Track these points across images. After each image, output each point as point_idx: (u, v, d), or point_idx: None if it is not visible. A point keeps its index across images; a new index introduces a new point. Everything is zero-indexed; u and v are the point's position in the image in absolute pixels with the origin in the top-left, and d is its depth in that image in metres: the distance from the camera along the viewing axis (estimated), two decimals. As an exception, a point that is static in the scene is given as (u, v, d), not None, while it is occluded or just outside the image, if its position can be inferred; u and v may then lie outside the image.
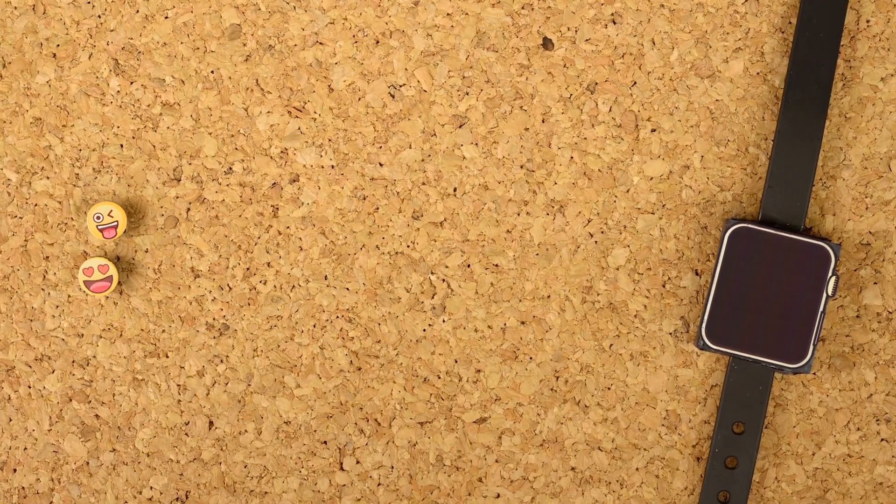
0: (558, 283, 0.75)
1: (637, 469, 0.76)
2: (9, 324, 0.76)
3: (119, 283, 0.75)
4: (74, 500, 0.76)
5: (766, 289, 0.72)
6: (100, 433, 0.76)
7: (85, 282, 0.74)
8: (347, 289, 0.76)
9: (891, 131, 0.75)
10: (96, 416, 0.76)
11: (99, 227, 0.73)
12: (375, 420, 0.76)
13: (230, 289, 0.76)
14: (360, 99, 0.75)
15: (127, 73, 0.76)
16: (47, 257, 0.76)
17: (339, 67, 0.75)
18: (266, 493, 0.76)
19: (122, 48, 0.76)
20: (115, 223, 0.73)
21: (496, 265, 0.76)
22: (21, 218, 0.76)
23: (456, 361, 0.76)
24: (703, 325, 0.72)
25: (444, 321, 0.76)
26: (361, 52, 0.75)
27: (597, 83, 0.75)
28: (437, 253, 0.76)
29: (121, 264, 0.76)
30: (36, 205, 0.76)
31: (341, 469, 0.76)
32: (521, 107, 0.75)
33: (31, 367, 0.76)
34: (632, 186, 0.75)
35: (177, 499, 0.76)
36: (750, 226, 0.72)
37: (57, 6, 0.76)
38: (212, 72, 0.75)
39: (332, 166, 0.75)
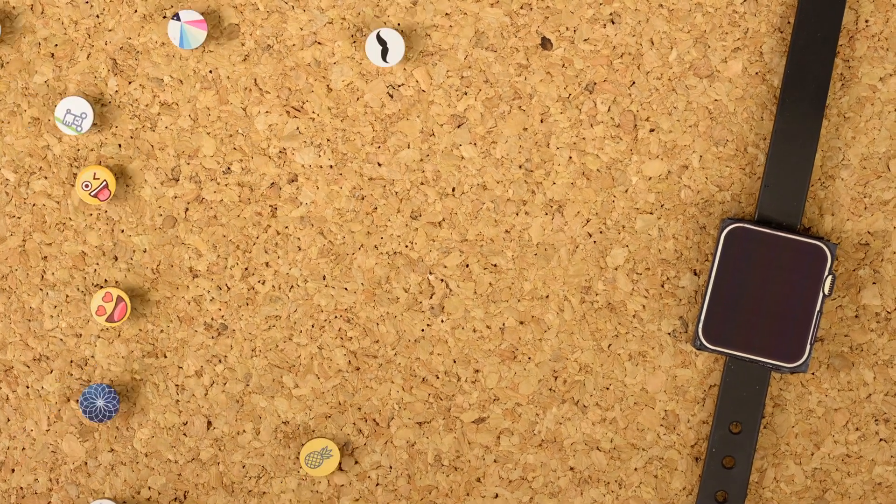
0: (557, 283, 0.75)
1: (636, 469, 0.76)
2: (7, 324, 0.76)
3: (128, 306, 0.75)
4: (73, 500, 0.76)
5: (763, 288, 0.72)
6: (98, 433, 0.76)
7: (105, 317, 0.74)
8: (346, 289, 0.76)
9: (889, 131, 0.75)
10: (94, 415, 0.76)
11: (91, 194, 0.73)
12: (374, 420, 0.76)
13: (228, 289, 0.76)
14: (358, 99, 0.75)
15: (125, 72, 0.76)
16: (45, 257, 0.76)
17: (337, 67, 0.75)
18: (264, 493, 0.76)
19: (121, 48, 0.76)
20: (104, 182, 0.73)
21: (495, 265, 0.75)
22: (19, 218, 0.76)
23: (454, 361, 0.76)
24: (700, 325, 0.72)
25: (442, 321, 0.76)
26: (360, 51, 0.75)
27: (595, 83, 0.75)
28: (436, 253, 0.76)
29: (118, 264, 0.76)
30: (34, 205, 0.76)
31: (339, 469, 0.76)
32: (520, 107, 0.75)
33: (29, 367, 0.76)
34: (630, 186, 0.75)
35: (175, 499, 0.76)
36: (746, 225, 0.72)
37: (55, 6, 0.76)
38: (210, 71, 0.76)
39: (331, 166, 0.75)
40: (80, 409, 0.73)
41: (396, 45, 0.72)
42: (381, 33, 0.72)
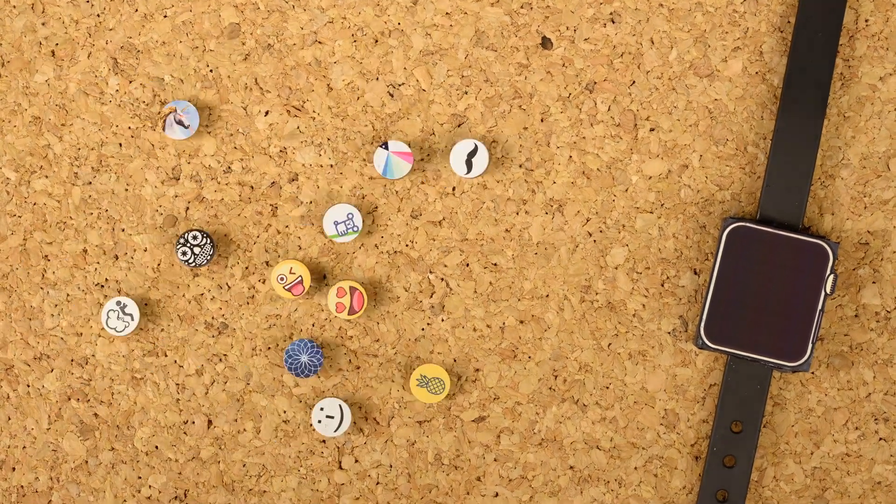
0: (557, 283, 0.75)
1: (635, 468, 0.76)
2: (7, 323, 0.76)
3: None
4: (73, 499, 0.76)
5: (765, 287, 0.72)
6: (98, 432, 0.76)
7: (346, 312, 0.75)
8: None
9: (889, 130, 0.75)
10: (95, 414, 0.76)
11: (286, 288, 0.74)
12: (374, 419, 0.76)
13: (229, 288, 0.76)
14: (358, 98, 0.75)
15: (126, 72, 0.76)
16: (46, 256, 0.76)
17: (337, 66, 0.76)
18: (265, 491, 0.76)
19: (121, 47, 0.76)
20: (299, 278, 0.74)
21: (495, 264, 0.76)
22: (20, 217, 0.76)
23: (455, 360, 0.76)
24: (702, 324, 0.72)
25: (442, 320, 0.76)
26: (360, 51, 0.75)
27: (595, 82, 0.75)
28: (436, 252, 0.76)
29: (119, 263, 0.76)
30: (35, 204, 0.76)
31: (340, 468, 0.76)
32: (520, 106, 0.75)
33: (29, 365, 0.76)
34: (630, 185, 0.75)
35: (175, 497, 0.76)
36: (748, 224, 0.72)
37: (56, 5, 0.76)
38: (210, 71, 0.76)
39: (331, 165, 0.76)
40: (286, 367, 0.73)
41: (482, 159, 0.73)
42: (473, 147, 0.73)
